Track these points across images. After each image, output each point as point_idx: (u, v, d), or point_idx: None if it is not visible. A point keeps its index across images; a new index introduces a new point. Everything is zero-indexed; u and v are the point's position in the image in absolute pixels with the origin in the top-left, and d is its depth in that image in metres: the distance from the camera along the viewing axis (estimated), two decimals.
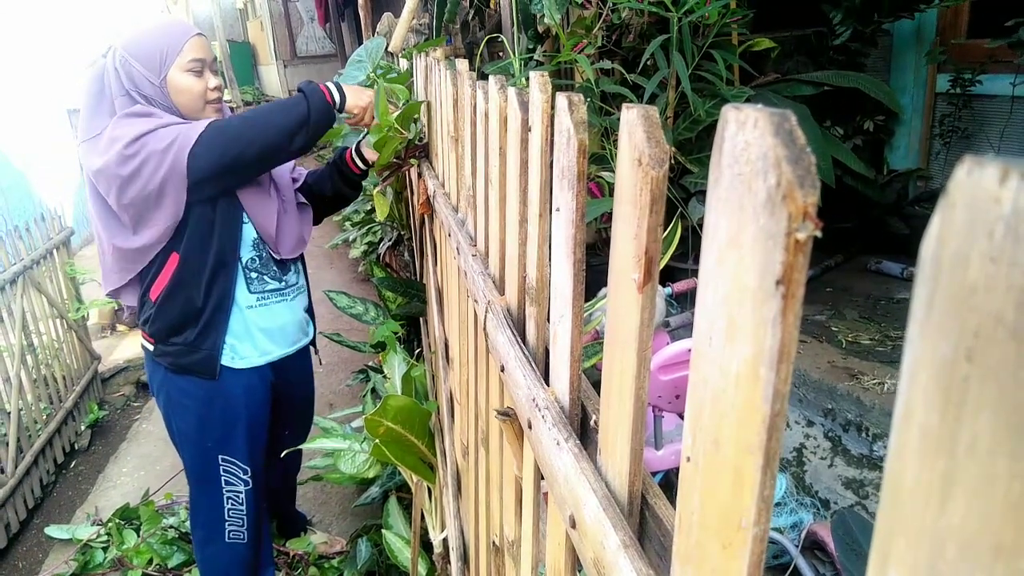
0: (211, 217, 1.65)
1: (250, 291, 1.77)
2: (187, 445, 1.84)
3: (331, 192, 2.00)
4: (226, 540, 1.89)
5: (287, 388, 1.97)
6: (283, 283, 1.84)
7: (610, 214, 1.35)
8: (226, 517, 1.87)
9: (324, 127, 1.69)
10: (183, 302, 1.69)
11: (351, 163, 1.97)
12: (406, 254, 3.03)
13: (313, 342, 2.03)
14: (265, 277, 1.79)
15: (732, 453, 0.31)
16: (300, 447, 2.09)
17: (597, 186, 2.51)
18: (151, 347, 1.77)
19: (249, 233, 1.74)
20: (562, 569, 0.64)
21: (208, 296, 1.70)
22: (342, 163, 1.99)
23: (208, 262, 1.67)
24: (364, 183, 2.09)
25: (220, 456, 1.82)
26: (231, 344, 1.76)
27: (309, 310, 1.99)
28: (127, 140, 1.52)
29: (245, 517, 1.89)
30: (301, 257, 1.93)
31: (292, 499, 2.38)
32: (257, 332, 1.79)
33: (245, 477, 1.86)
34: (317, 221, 2.00)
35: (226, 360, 1.76)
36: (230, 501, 1.86)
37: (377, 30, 4.18)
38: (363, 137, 1.97)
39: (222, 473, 1.83)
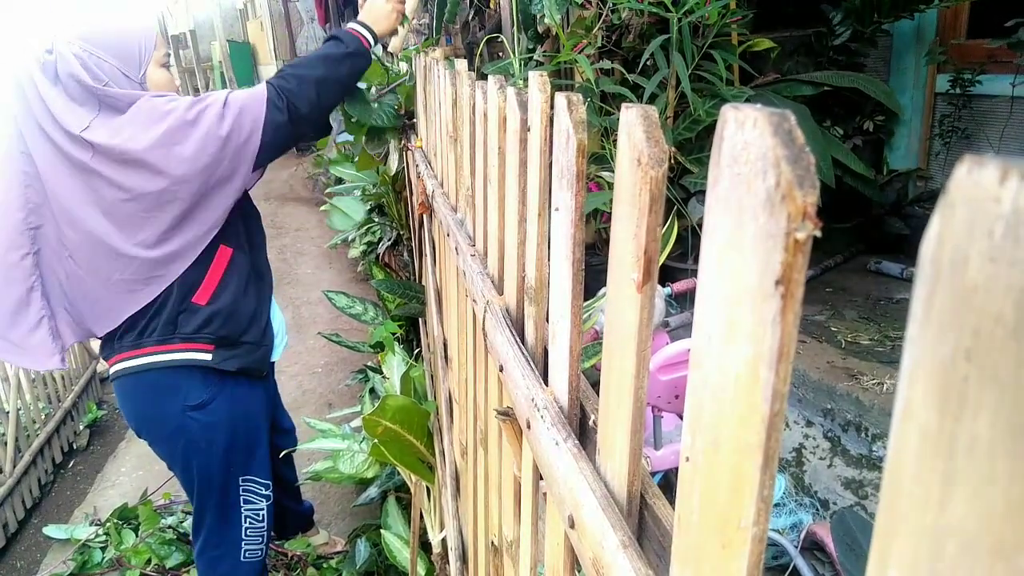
0: (241, 200, 1.55)
1: None
2: (211, 481, 1.68)
3: None
4: (242, 560, 1.80)
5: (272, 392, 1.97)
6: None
7: (610, 214, 1.35)
8: (244, 537, 1.78)
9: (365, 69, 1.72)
10: (248, 297, 1.59)
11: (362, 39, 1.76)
12: (405, 254, 3.02)
13: None
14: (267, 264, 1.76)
15: (731, 453, 0.31)
16: (294, 450, 2.09)
17: (597, 186, 2.51)
18: (207, 356, 1.55)
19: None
20: (561, 569, 0.64)
21: (261, 285, 1.63)
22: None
23: (257, 245, 1.62)
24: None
25: (241, 478, 1.73)
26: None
27: None
28: (186, 104, 1.42)
29: (264, 532, 1.81)
30: None
31: (298, 499, 2.34)
32: (276, 323, 1.75)
33: (267, 492, 1.78)
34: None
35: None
36: (248, 520, 1.77)
37: None
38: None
39: (242, 494, 1.74)
